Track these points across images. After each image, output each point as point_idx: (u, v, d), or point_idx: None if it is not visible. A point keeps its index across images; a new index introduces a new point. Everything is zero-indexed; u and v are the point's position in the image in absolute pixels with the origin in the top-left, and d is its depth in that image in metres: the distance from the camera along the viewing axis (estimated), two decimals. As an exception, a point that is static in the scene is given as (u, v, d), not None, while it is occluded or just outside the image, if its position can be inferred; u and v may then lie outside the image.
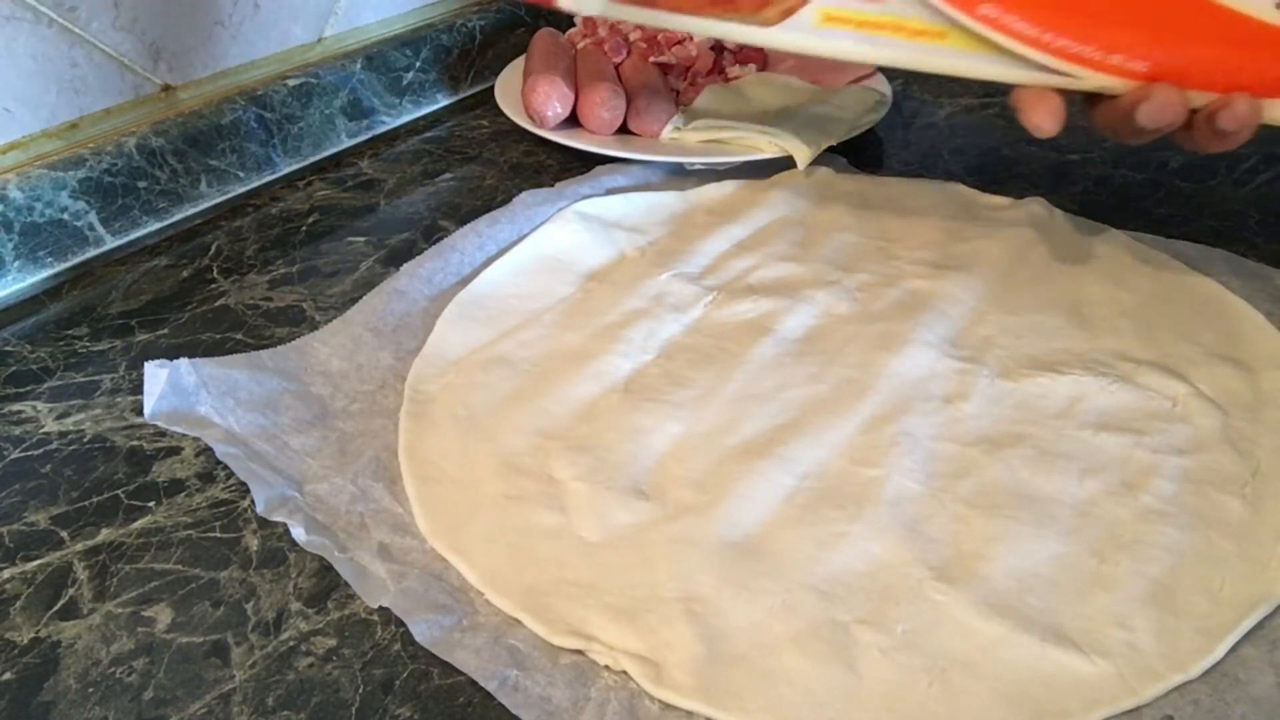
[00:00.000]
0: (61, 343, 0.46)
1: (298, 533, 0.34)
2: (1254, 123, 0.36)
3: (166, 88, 0.56)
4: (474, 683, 0.30)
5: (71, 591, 0.34)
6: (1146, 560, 0.32)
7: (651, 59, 0.65)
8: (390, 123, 0.66)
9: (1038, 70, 0.38)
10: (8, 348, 0.46)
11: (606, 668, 0.30)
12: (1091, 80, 0.37)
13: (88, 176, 0.51)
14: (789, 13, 0.38)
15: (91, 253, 0.52)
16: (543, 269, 0.48)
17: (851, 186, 0.55)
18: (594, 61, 0.62)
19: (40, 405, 0.42)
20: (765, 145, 0.56)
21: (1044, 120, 0.38)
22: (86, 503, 0.37)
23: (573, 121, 0.60)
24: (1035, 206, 0.51)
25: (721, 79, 0.65)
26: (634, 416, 0.39)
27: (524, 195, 0.53)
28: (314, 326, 0.46)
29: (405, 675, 0.30)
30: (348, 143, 0.64)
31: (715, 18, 0.39)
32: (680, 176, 0.57)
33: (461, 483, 0.37)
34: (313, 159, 0.62)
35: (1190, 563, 0.32)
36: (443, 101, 0.69)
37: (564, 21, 0.72)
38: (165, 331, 0.47)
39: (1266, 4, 0.35)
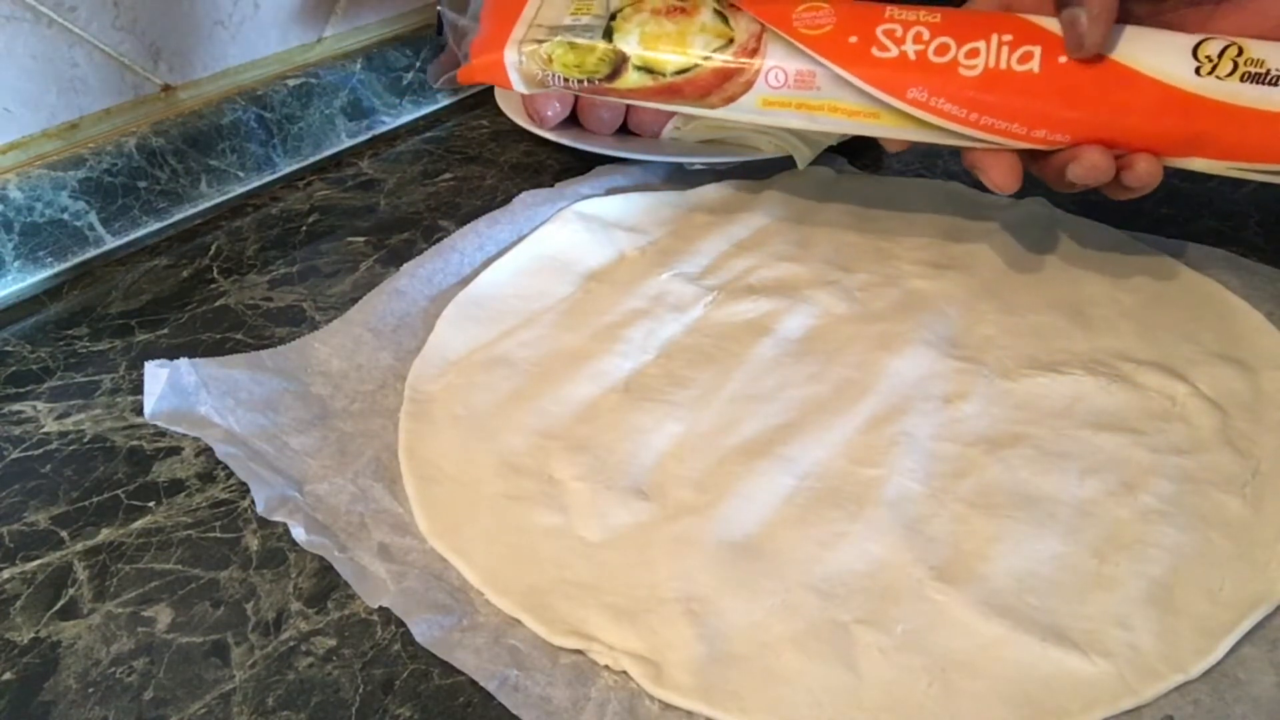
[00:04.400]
0: (61, 343, 0.46)
1: (298, 533, 0.34)
2: (1155, 181, 0.38)
3: (166, 88, 0.56)
4: (474, 683, 0.30)
5: (71, 591, 0.34)
6: (1146, 560, 0.32)
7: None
8: (390, 123, 0.66)
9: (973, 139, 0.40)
10: (8, 348, 0.46)
11: (606, 668, 0.30)
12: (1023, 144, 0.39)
13: (88, 176, 0.51)
14: (731, 100, 0.41)
15: (91, 253, 0.52)
16: (543, 269, 0.48)
17: (851, 186, 0.55)
18: (594, 61, 0.62)
19: (40, 405, 0.42)
20: (765, 145, 0.56)
21: (1003, 179, 0.40)
22: (86, 503, 0.37)
23: (573, 121, 0.60)
24: (1035, 206, 0.51)
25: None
26: (634, 416, 0.39)
27: (524, 195, 0.53)
28: (314, 326, 0.46)
29: (405, 675, 0.30)
30: (348, 143, 0.64)
31: (664, 103, 0.42)
32: (680, 176, 0.57)
33: (461, 483, 0.37)
34: (313, 159, 0.62)
35: (1190, 563, 0.32)
36: (443, 101, 0.69)
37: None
38: (165, 331, 0.47)
39: (1185, 72, 0.37)
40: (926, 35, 0.38)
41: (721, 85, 0.40)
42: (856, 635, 0.31)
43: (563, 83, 0.42)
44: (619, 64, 0.41)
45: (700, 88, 0.41)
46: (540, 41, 0.41)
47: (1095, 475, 0.36)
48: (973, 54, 0.38)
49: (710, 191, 0.55)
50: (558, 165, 0.60)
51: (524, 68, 0.42)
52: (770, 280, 0.47)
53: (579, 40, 0.41)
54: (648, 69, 0.41)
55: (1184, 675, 0.29)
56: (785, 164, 0.56)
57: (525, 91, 0.43)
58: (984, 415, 0.39)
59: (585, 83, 0.42)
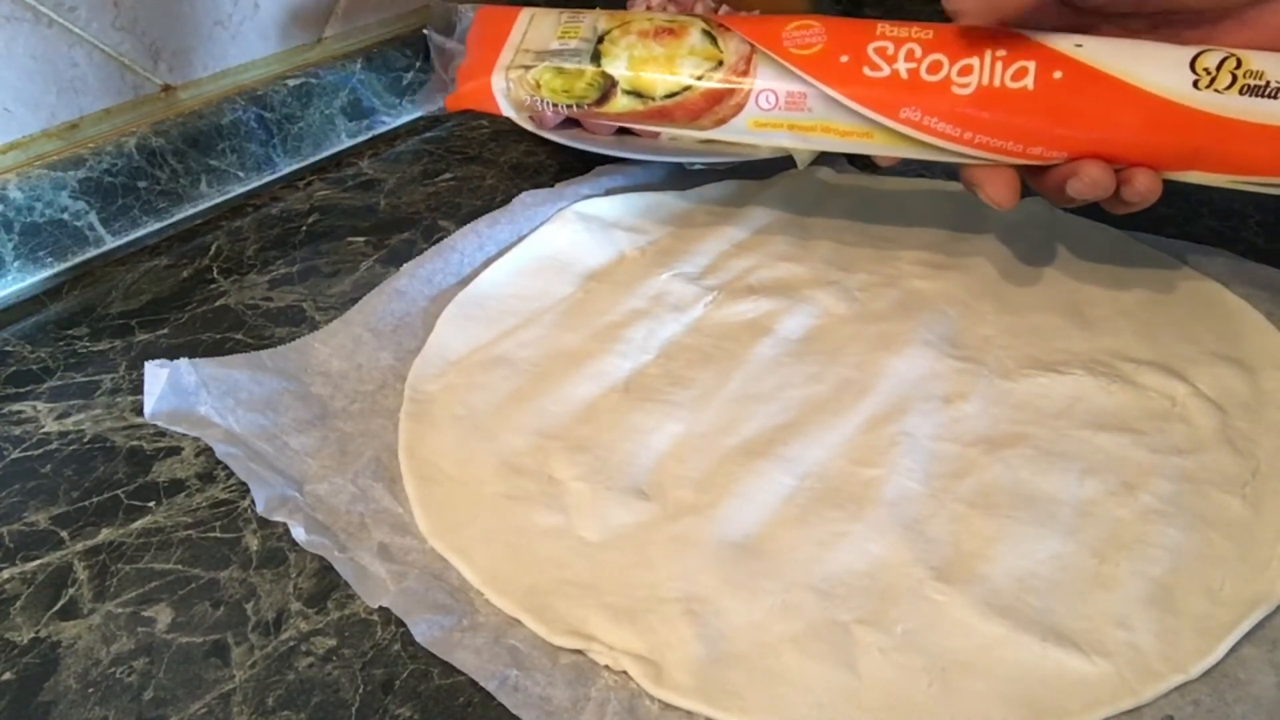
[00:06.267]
0: (61, 343, 0.46)
1: (298, 533, 0.34)
2: (1154, 195, 0.37)
3: (166, 88, 0.56)
4: (474, 683, 0.30)
5: (71, 591, 0.34)
6: (1146, 560, 0.32)
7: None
8: (390, 123, 0.66)
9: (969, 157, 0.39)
10: (8, 348, 0.46)
11: (606, 668, 0.30)
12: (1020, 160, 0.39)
13: (88, 176, 0.51)
14: (722, 122, 0.40)
15: (91, 253, 0.52)
16: (542, 269, 0.48)
17: (851, 186, 0.55)
18: (594, 61, 0.62)
19: (40, 405, 0.42)
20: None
21: (1000, 195, 0.39)
22: (86, 503, 0.37)
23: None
24: (1035, 206, 0.51)
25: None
26: (634, 416, 0.39)
27: (524, 195, 0.53)
28: (314, 326, 0.46)
29: (405, 675, 0.31)
30: (348, 143, 0.64)
31: (655, 125, 0.42)
32: (680, 176, 0.57)
33: (461, 483, 0.37)
34: (313, 159, 0.62)
35: (1190, 563, 0.32)
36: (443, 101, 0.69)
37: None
38: (165, 331, 0.47)
39: (1184, 85, 0.36)
40: (919, 52, 0.38)
41: (712, 108, 0.40)
42: (856, 635, 0.31)
43: (552, 109, 0.42)
44: (608, 88, 0.41)
45: (690, 111, 0.40)
46: (528, 67, 0.41)
47: (1095, 475, 0.36)
48: (965, 71, 0.37)
49: (710, 191, 0.55)
50: (558, 165, 0.60)
51: (512, 94, 0.42)
52: (770, 280, 0.47)
53: (567, 65, 0.41)
54: (637, 93, 0.40)
55: (1184, 675, 0.29)
56: (785, 164, 0.55)
57: (514, 117, 0.43)
58: (984, 415, 0.39)
59: (575, 107, 0.42)
